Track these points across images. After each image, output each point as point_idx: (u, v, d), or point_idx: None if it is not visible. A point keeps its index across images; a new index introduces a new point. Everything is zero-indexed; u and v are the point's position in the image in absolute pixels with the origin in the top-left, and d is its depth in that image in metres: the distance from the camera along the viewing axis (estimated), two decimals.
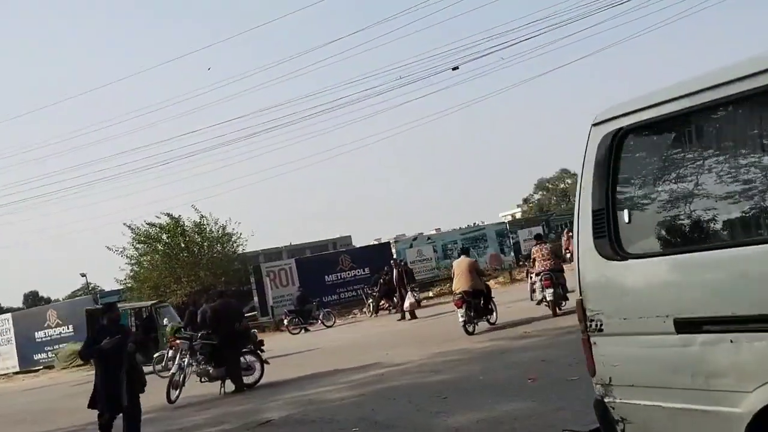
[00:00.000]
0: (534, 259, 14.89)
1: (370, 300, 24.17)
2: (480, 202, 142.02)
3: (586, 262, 3.25)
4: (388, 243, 32.79)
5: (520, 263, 29.25)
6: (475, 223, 43.40)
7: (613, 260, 3.11)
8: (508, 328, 13.46)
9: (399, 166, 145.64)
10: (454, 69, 23.11)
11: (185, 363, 11.68)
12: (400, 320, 19.73)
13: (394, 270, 21.84)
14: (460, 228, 35.63)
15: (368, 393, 9.02)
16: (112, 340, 7.95)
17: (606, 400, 3.27)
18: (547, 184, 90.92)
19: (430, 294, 27.38)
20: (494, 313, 14.05)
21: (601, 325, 3.20)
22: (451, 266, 29.83)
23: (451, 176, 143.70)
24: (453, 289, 14.19)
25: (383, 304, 23.93)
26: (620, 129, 3.14)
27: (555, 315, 13.56)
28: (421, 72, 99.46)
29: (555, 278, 13.82)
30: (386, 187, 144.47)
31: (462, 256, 14.54)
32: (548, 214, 42.27)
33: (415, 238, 32.70)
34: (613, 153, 3.15)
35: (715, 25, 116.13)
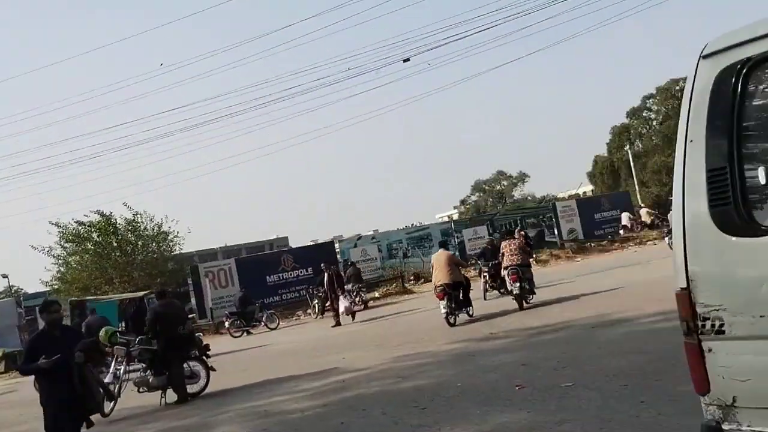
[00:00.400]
0: (503, 254, 14.95)
1: (316, 301, 23.20)
2: (417, 204, 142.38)
3: (697, 240, 2.42)
4: (332, 242, 31.82)
5: (471, 262, 28.73)
6: (413, 224, 42.85)
7: (742, 236, 2.31)
8: (483, 320, 13.58)
9: (336, 165, 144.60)
10: (405, 61, 22.42)
11: (121, 371, 10.51)
12: (334, 326, 18.62)
13: (325, 274, 20.57)
14: (404, 227, 34.93)
15: (332, 403, 8.08)
16: (49, 362, 6.48)
17: (726, 426, 2.45)
18: (483, 186, 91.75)
19: (376, 294, 26.58)
20: (471, 306, 14.17)
21: (720, 325, 2.39)
22: (397, 266, 29.92)
23: (387, 177, 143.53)
24: (433, 282, 14.16)
25: (329, 305, 22.95)
26: (748, 59, 2.34)
27: (521, 309, 13.88)
28: (371, 63, 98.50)
29: (522, 273, 14.09)
30: (322, 187, 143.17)
31: (440, 249, 14.61)
32: (492, 214, 42.02)
33: (359, 237, 31.85)
34: (738, 92, 2.34)
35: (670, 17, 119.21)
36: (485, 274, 18.88)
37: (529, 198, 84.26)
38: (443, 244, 15.52)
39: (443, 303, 13.39)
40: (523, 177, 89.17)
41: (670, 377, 6.20)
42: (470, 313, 14.07)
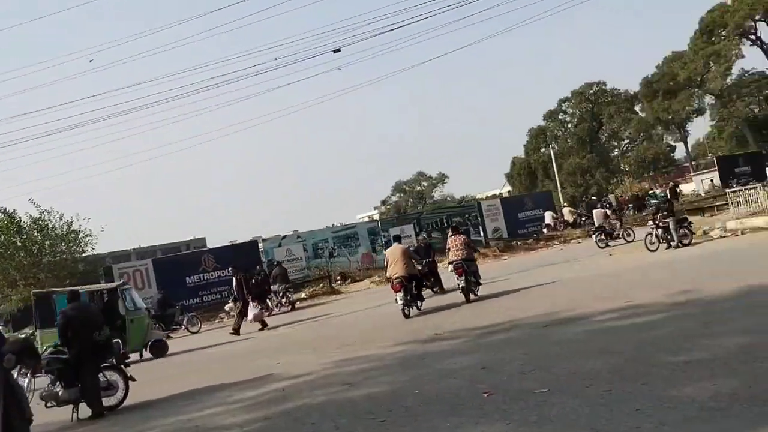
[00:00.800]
0: (449, 249, 15.22)
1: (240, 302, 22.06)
2: (337, 204, 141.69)
3: None
4: (255, 242, 30.68)
5: None
6: (333, 224, 42.07)
7: None
8: (433, 313, 13.92)
9: (253, 165, 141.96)
10: (335, 51, 21.59)
11: (26, 384, 9.28)
12: (261, 330, 17.47)
13: (234, 278, 19.42)
14: (330, 226, 34.14)
15: (274, 415, 7.19)
16: None
17: None
18: (404, 186, 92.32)
19: (303, 295, 25.68)
20: (422, 300, 14.69)
21: None
22: (323, 266, 29.06)
23: (305, 177, 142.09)
24: (388, 275, 14.47)
25: (255, 306, 21.94)
26: None
27: (468, 301, 14.27)
28: (300, 53, 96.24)
29: (467, 267, 14.46)
30: (239, 187, 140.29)
31: (395, 243, 15.19)
32: (419, 213, 41.78)
33: (284, 237, 30.78)
34: None
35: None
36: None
37: (448, 198, 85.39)
38: (397, 239, 16.02)
39: (399, 295, 13.71)
40: (442, 178, 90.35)
41: (656, 380, 5.70)
42: (419, 306, 14.43)
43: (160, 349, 16.32)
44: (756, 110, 67.77)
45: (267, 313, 22.21)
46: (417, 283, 14.38)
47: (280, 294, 22.80)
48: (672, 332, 7.62)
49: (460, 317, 12.52)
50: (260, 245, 29.75)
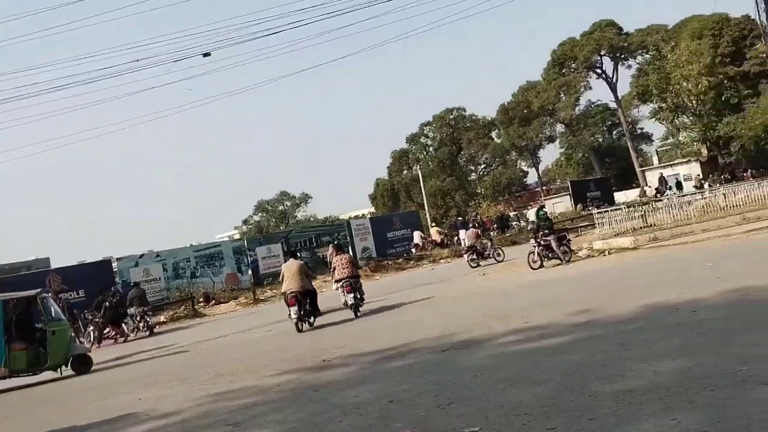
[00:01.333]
0: (334, 268, 15.56)
1: (91, 327, 19.96)
2: (195, 224, 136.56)
3: None
4: (109, 260, 28.20)
5: (266, 281, 26.93)
6: (192, 244, 39.94)
7: None
8: (325, 328, 14.04)
9: (103, 177, 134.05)
10: (205, 55, 20.20)
11: None
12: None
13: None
14: (192, 245, 32.19)
15: None
16: None
17: None
18: (266, 206, 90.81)
19: (162, 318, 23.76)
20: (315, 317, 14.79)
21: None
22: (184, 287, 27.17)
23: (160, 194, 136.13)
24: (283, 290, 14.70)
25: (108, 332, 19.93)
26: None
27: (357, 317, 14.73)
28: (166, 55, 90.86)
29: (354, 284, 14.94)
30: (89, 202, 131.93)
31: (290, 259, 15.29)
32: (287, 231, 40.61)
33: (141, 256, 28.49)
34: None
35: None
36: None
37: (311, 219, 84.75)
38: (293, 254, 16.09)
39: (293, 309, 14.03)
40: (305, 198, 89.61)
41: (604, 415, 5.00)
42: (312, 322, 14.58)
43: (83, 365, 14.13)
44: (600, 139, 72.64)
45: (122, 339, 20.38)
46: (311, 299, 14.58)
47: (138, 318, 20.85)
48: (591, 356, 7.08)
49: (349, 339, 11.63)
50: (114, 265, 27.36)
